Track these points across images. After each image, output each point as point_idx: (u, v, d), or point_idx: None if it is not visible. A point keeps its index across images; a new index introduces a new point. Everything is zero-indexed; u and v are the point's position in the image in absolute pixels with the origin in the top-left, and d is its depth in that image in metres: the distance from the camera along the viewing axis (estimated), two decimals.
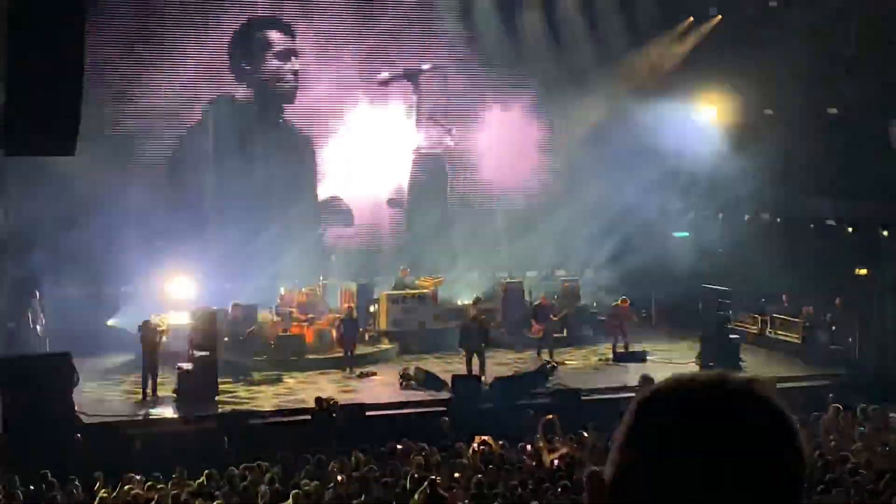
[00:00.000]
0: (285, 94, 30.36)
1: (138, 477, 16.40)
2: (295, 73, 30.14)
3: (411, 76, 30.77)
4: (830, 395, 21.42)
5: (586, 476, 1.90)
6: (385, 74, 30.65)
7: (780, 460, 1.80)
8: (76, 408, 20.45)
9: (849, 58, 28.04)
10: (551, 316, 26.91)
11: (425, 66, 30.77)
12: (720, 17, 30.91)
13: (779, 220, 30.49)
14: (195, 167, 29.26)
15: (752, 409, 1.81)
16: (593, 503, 1.86)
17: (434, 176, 31.42)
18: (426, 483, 14.77)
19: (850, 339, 26.09)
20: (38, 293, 25.61)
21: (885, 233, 27.83)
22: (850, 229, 28.59)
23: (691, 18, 31.46)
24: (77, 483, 16.27)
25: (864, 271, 28.07)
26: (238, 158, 28.94)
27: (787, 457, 1.82)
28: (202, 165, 29.22)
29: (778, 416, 1.83)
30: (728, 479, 1.76)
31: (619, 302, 27.46)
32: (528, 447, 17.93)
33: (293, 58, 30.13)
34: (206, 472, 16.35)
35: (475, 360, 24.18)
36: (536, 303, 27.63)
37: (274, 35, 30.17)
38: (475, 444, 17.93)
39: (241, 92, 30.03)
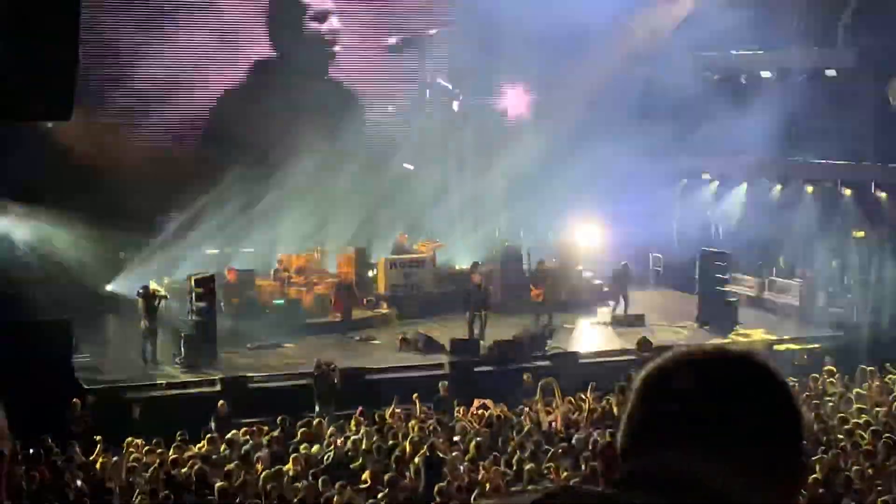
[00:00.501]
0: (325, 56, 30.49)
1: (139, 441, 16.47)
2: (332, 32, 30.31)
3: (418, 41, 30.76)
4: (827, 356, 21.47)
5: (600, 450, 2.03)
6: (393, 40, 30.65)
7: (782, 419, 1.95)
8: (76, 373, 20.50)
9: (846, 18, 27.97)
10: (550, 281, 26.89)
11: (432, 31, 30.74)
12: None
13: (777, 182, 30.48)
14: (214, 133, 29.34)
15: (754, 376, 1.95)
16: (610, 475, 2.00)
17: (436, 141, 31.38)
18: (425, 446, 14.84)
19: (848, 301, 26.12)
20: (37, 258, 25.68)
21: (883, 195, 27.84)
22: (847, 191, 28.60)
23: None
24: (77, 448, 16.32)
25: (861, 233, 28.10)
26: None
27: (786, 415, 1.96)
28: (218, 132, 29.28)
29: (776, 380, 1.96)
30: (738, 439, 1.91)
31: (619, 267, 27.47)
32: (527, 409, 17.99)
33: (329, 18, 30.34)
34: (207, 436, 16.41)
35: (477, 324, 24.28)
36: (536, 267, 27.61)
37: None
38: (474, 408, 17.99)
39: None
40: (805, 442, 1.98)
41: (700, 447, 1.91)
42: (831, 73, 28.22)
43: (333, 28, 30.65)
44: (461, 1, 31.06)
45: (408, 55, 31.09)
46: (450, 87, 31.28)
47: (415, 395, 18.40)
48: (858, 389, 18.73)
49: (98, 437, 16.69)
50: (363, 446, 15.58)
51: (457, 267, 29.55)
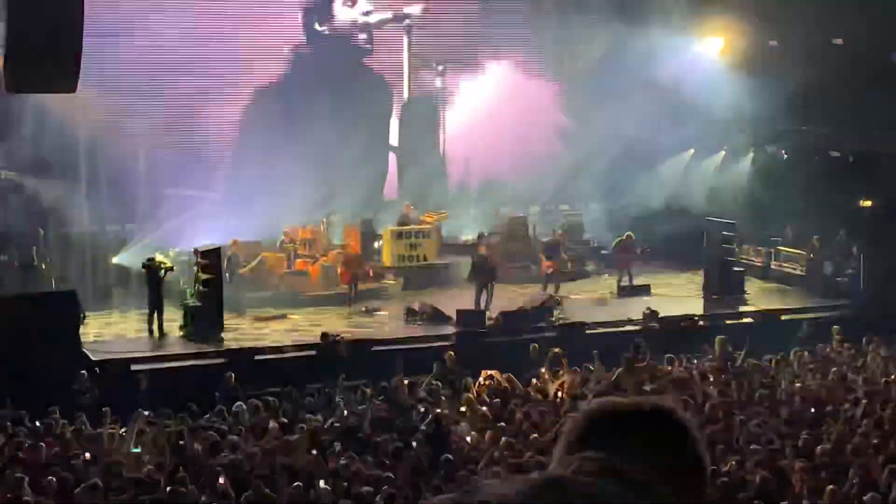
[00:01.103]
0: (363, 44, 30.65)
1: (146, 413, 16.50)
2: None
3: (401, 18, 30.73)
4: (835, 326, 21.45)
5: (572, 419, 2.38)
6: (375, 17, 30.60)
7: (691, 466, 2.35)
8: (82, 345, 20.53)
9: None
10: (563, 254, 26.81)
11: (416, 9, 30.69)
12: None
13: (784, 152, 30.39)
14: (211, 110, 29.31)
15: (667, 425, 2.36)
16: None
17: (429, 117, 31.34)
18: (431, 416, 14.86)
19: (855, 271, 26.07)
20: (42, 230, 25.67)
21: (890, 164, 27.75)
22: (853, 160, 28.51)
23: None
24: (85, 419, 16.35)
25: (868, 203, 28.04)
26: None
27: (694, 462, 2.35)
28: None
29: (685, 432, 2.36)
30: (651, 475, 2.28)
31: (623, 237, 27.40)
32: (534, 380, 18.00)
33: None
34: (215, 407, 16.43)
35: (483, 295, 24.29)
36: (547, 239, 27.51)
37: None
38: (481, 378, 18.00)
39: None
40: (707, 478, 2.36)
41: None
42: (838, 41, 28.07)
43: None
44: None
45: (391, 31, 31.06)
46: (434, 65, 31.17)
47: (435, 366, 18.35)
48: (866, 359, 18.73)
49: (105, 409, 16.72)
50: (370, 416, 15.60)
51: (463, 238, 29.57)
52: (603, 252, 29.10)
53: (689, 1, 30.27)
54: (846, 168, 28.56)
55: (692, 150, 31.73)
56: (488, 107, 30.42)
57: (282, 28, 29.86)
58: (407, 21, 30.73)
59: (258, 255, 26.23)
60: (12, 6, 18.41)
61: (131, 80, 27.81)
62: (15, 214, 25.45)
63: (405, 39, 30.92)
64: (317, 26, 30.37)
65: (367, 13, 30.57)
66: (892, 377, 17.18)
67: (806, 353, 19.75)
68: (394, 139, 31.23)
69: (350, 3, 30.43)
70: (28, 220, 25.48)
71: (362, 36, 30.72)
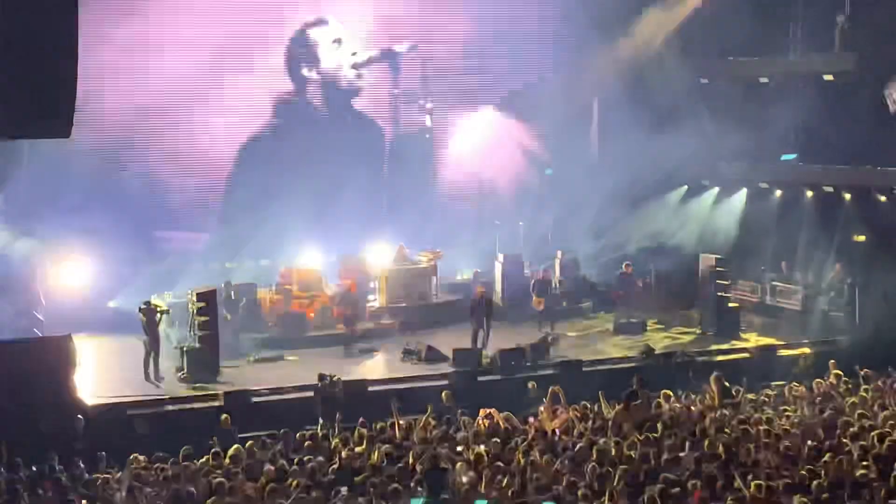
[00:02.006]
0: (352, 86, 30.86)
1: (142, 457, 16.45)
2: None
3: (388, 56, 30.93)
4: (831, 360, 21.43)
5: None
6: (364, 55, 30.80)
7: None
8: (78, 389, 20.46)
9: (843, 23, 28.00)
10: (552, 291, 26.82)
11: (406, 47, 30.86)
12: None
13: (776, 187, 30.46)
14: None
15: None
16: None
17: (422, 153, 31.49)
18: (426, 455, 14.82)
19: (850, 306, 26.08)
20: (38, 275, 25.70)
21: (883, 198, 27.83)
22: (846, 195, 28.60)
23: None
24: (81, 464, 16.30)
25: (862, 238, 28.10)
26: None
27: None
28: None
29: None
30: None
31: (623, 268, 27.46)
32: (532, 419, 17.97)
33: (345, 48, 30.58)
34: (211, 450, 16.38)
35: (480, 334, 24.33)
36: (536, 277, 27.58)
37: (326, 32, 30.37)
38: (479, 417, 17.95)
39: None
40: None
41: None
42: (829, 77, 28.23)
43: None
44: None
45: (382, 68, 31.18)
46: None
47: (429, 407, 18.29)
48: (862, 393, 18.71)
49: (102, 454, 16.65)
50: (367, 458, 15.54)
51: (458, 276, 29.61)
52: (599, 289, 29.14)
53: (677, 39, 30.39)
54: (839, 203, 28.64)
55: (685, 188, 31.81)
56: (479, 144, 30.58)
57: (271, 72, 30.02)
58: (394, 58, 30.94)
59: (255, 297, 26.20)
60: (5, 50, 18.48)
61: (124, 125, 27.96)
62: (11, 259, 25.47)
63: (392, 77, 31.09)
64: (304, 71, 30.57)
65: (353, 53, 30.78)
66: (889, 411, 17.17)
67: (802, 387, 19.74)
68: (386, 177, 31.30)
69: (336, 44, 30.61)
70: (24, 263, 25.51)
71: (350, 76, 30.89)
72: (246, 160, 29.90)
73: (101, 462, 16.56)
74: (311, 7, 30.38)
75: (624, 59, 30.13)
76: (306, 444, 16.74)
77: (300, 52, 30.49)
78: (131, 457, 16.43)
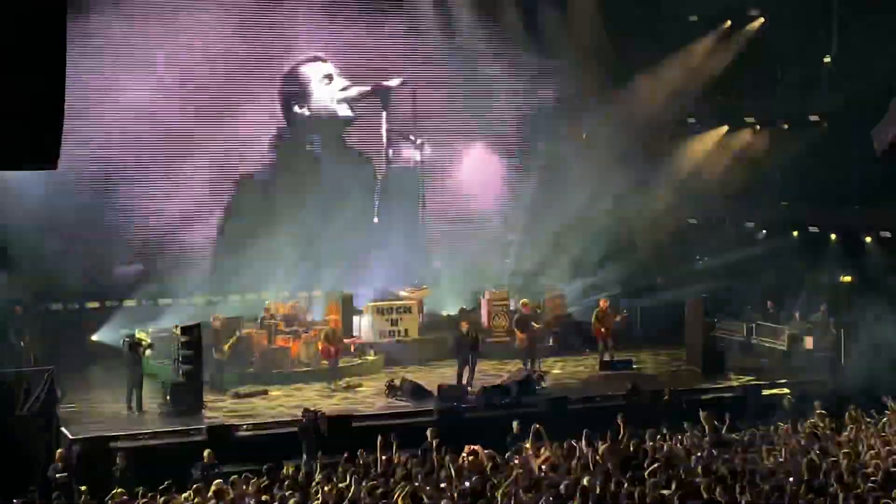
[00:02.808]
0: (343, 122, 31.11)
1: (123, 492, 16.32)
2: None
3: (381, 92, 31.00)
4: (816, 401, 21.40)
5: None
6: (353, 91, 30.88)
7: None
8: (60, 423, 20.34)
9: (829, 64, 28.18)
10: (533, 325, 26.75)
11: (395, 82, 30.94)
12: None
13: (762, 227, 30.55)
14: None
15: None
16: None
17: (408, 189, 31.52)
18: (409, 492, 14.73)
19: (835, 346, 26.09)
20: (20, 308, 25.61)
21: (868, 239, 27.91)
22: (832, 236, 28.68)
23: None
24: (63, 499, 16.17)
25: (848, 278, 28.16)
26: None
27: None
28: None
29: None
30: None
31: (599, 305, 27.36)
32: (517, 457, 17.88)
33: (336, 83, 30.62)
34: (193, 485, 16.27)
35: (466, 371, 24.27)
36: (518, 314, 27.49)
37: (317, 69, 30.43)
38: (465, 454, 17.87)
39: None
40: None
41: None
42: (814, 118, 28.37)
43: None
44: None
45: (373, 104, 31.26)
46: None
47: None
48: (847, 433, 18.68)
49: (83, 488, 16.54)
50: (350, 494, 15.45)
51: (444, 313, 29.58)
52: (584, 327, 29.11)
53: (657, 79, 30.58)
54: (826, 243, 28.72)
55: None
56: (467, 181, 30.66)
57: (261, 109, 30.05)
58: (385, 94, 31.01)
59: (235, 332, 26.04)
60: None
61: (110, 160, 27.96)
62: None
63: (383, 114, 31.17)
64: (296, 109, 30.65)
65: (344, 88, 30.85)
66: (873, 451, 17.13)
67: (787, 426, 19.70)
68: (376, 213, 31.30)
69: (327, 81, 30.69)
70: (5, 298, 25.42)
71: (341, 113, 30.97)
72: (236, 196, 29.87)
73: (82, 496, 16.42)
74: (302, 44, 30.41)
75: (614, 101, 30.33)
76: (289, 479, 16.62)
77: (291, 88, 30.54)
78: (113, 491, 16.30)
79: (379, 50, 30.61)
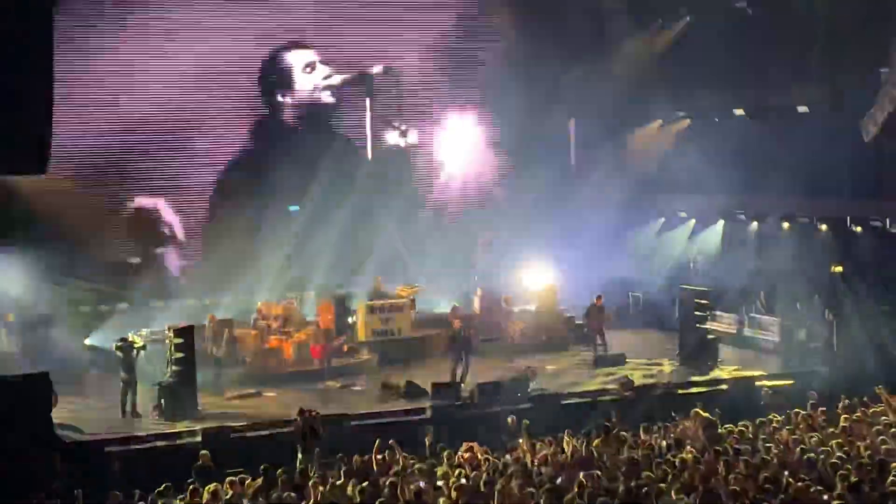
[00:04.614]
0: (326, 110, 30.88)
1: (119, 494, 16.31)
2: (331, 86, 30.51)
3: (364, 78, 30.98)
4: (810, 391, 21.47)
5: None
6: (336, 79, 30.83)
7: None
8: (55, 428, 20.32)
9: (817, 54, 28.19)
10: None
11: (377, 69, 30.93)
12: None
13: (753, 219, 30.59)
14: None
15: None
16: None
17: (399, 177, 31.53)
18: (408, 491, 14.75)
19: (828, 337, 26.15)
20: (10, 313, 25.64)
21: (858, 229, 27.96)
22: (823, 227, 28.72)
23: (660, 20, 31.63)
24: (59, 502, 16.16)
25: (839, 268, 28.19)
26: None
27: None
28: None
29: None
30: None
31: (594, 300, 27.44)
32: (510, 453, 17.92)
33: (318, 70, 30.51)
34: (190, 487, 16.27)
35: (459, 368, 24.28)
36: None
37: (295, 56, 30.34)
38: (461, 451, 17.90)
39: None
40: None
41: None
42: (804, 109, 28.41)
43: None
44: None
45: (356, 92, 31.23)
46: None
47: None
48: (842, 423, 18.73)
49: (77, 492, 16.51)
50: (346, 494, 15.47)
51: (436, 310, 29.59)
52: (577, 322, 29.16)
53: (657, 69, 30.62)
54: (816, 234, 28.76)
55: (662, 220, 31.93)
56: (455, 170, 30.66)
57: (244, 101, 30.00)
58: (368, 81, 31.00)
59: (232, 331, 26.08)
60: None
61: (97, 155, 27.92)
62: None
63: (367, 101, 31.14)
64: (279, 97, 30.56)
65: (327, 77, 30.79)
66: (867, 441, 17.19)
67: (781, 418, 19.74)
68: (366, 206, 31.20)
69: (309, 70, 30.63)
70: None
71: (324, 101, 30.91)
72: (222, 192, 29.79)
73: (77, 501, 16.41)
74: (284, 33, 30.31)
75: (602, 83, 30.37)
76: (284, 480, 16.63)
77: (273, 77, 30.44)
78: (110, 493, 16.29)
79: (361, 36, 30.55)
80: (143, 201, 29.18)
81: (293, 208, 29.64)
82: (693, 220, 31.86)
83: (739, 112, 30.36)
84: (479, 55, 31.42)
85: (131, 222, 29.06)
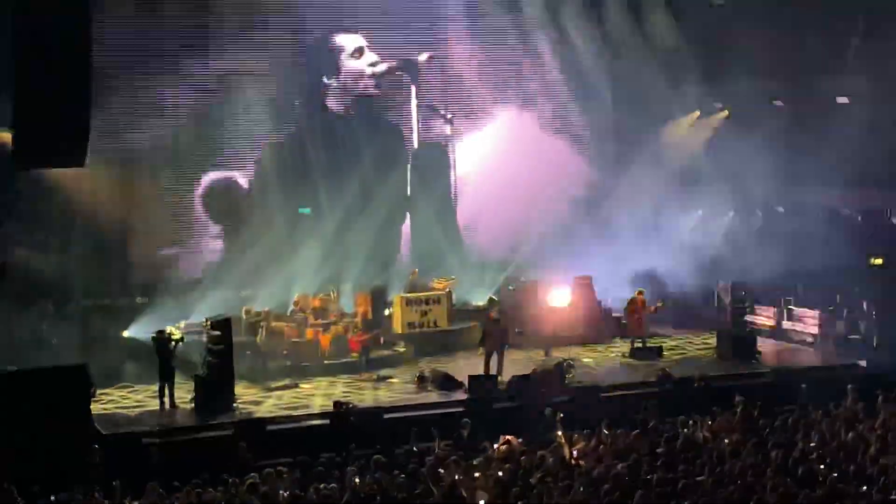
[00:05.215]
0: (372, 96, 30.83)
1: (157, 485, 16.38)
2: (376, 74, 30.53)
3: (409, 67, 30.87)
4: (850, 385, 21.31)
5: None
6: (382, 66, 30.72)
7: None
8: (93, 419, 20.44)
9: (856, 46, 28.00)
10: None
11: (423, 57, 30.84)
12: None
13: (792, 211, 30.42)
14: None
15: None
16: None
17: (442, 167, 31.44)
18: (444, 483, 14.76)
19: (867, 329, 25.97)
20: (51, 304, 25.78)
21: None
22: (863, 218, 28.54)
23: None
24: (100, 495, 16.24)
25: (879, 261, 28.00)
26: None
27: None
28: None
29: None
30: None
31: (634, 295, 27.34)
32: (549, 445, 17.89)
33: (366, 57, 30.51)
34: (227, 479, 16.33)
35: (493, 360, 24.20)
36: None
37: (344, 40, 30.34)
38: (499, 444, 17.90)
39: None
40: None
41: None
42: (843, 100, 28.20)
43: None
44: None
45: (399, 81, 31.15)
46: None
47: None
48: (882, 416, 18.60)
49: (116, 484, 16.60)
50: (383, 486, 15.49)
51: (473, 302, 29.54)
52: (614, 315, 29.06)
53: (696, 62, 30.44)
54: (856, 226, 28.58)
55: (700, 212, 31.77)
56: (500, 161, 30.46)
57: (290, 85, 29.86)
58: (414, 68, 30.88)
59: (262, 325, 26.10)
60: (20, 82, 18.60)
61: (137, 147, 27.86)
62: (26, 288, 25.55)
63: (413, 89, 31.02)
64: (325, 79, 30.42)
65: (373, 63, 30.67)
66: None
67: (820, 412, 19.61)
68: (407, 197, 31.09)
69: (357, 55, 30.52)
70: (38, 293, 25.58)
71: (371, 88, 30.78)
72: (262, 178, 29.58)
73: (116, 491, 16.49)
74: (332, 18, 30.14)
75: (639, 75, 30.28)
76: (320, 472, 16.67)
77: (321, 62, 30.27)
78: (148, 484, 16.37)
79: (407, 23, 30.44)
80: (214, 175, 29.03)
81: (304, 210, 29.60)
82: (731, 213, 31.69)
83: (778, 103, 30.16)
84: (524, 48, 31.21)
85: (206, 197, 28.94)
